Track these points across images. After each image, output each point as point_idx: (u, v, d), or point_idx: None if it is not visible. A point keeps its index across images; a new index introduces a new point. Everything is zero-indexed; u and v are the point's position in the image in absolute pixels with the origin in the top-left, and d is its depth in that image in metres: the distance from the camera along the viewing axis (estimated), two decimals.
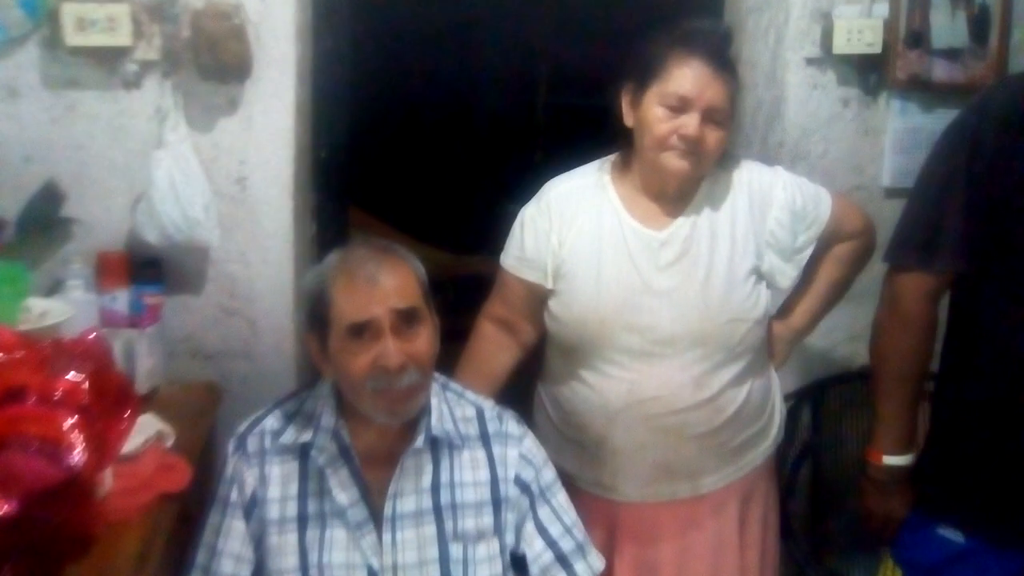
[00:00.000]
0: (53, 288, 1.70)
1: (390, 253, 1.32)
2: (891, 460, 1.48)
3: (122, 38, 1.70)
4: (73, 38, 1.69)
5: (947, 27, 1.94)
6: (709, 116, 1.44)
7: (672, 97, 1.43)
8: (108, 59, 1.74)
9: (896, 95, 2.00)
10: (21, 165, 1.75)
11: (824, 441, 2.06)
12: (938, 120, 1.99)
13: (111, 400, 1.09)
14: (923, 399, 1.50)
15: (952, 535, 1.42)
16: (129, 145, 1.77)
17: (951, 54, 1.96)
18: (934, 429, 1.51)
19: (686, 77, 1.43)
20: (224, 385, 1.84)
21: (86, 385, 1.07)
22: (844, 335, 2.04)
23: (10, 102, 1.74)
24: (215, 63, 1.73)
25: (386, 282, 1.27)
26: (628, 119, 1.51)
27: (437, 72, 4.04)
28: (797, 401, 2.02)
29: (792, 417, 1.94)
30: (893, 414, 1.48)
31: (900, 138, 2.01)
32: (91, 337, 1.17)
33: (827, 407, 2.06)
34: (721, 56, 1.46)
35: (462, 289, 2.26)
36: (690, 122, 1.43)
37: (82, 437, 1.03)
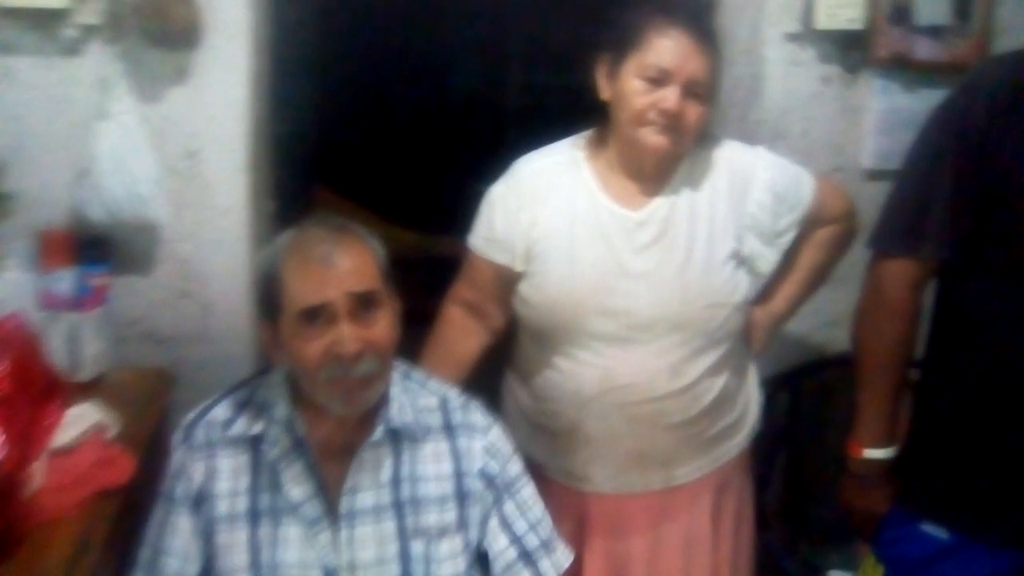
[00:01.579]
0: None
1: (346, 232, 1.24)
2: (872, 453, 1.43)
3: None
4: None
5: (930, 3, 1.90)
6: (690, 90, 1.37)
7: (651, 68, 1.36)
8: (45, 22, 1.65)
9: (878, 74, 1.95)
10: None
11: (802, 429, 2.02)
12: (920, 100, 1.96)
13: (37, 390, 1.00)
14: (906, 390, 1.45)
15: (936, 531, 1.37)
16: (70, 116, 1.68)
17: (934, 31, 1.92)
18: (918, 421, 1.46)
19: (666, 48, 1.36)
20: (177, 371, 1.77)
21: (6, 374, 0.98)
22: (821, 320, 1.99)
23: None
24: (162, 28, 1.65)
25: (342, 263, 1.19)
26: (604, 92, 1.44)
27: (407, 48, 3.95)
28: (774, 388, 1.97)
29: (768, 404, 1.89)
30: (875, 405, 1.42)
31: (881, 118, 1.97)
32: (12, 321, 1.07)
33: (804, 394, 2.02)
34: (702, 27, 1.40)
35: (431, 270, 2.20)
36: (670, 96, 1.36)
37: (2, 430, 0.93)
